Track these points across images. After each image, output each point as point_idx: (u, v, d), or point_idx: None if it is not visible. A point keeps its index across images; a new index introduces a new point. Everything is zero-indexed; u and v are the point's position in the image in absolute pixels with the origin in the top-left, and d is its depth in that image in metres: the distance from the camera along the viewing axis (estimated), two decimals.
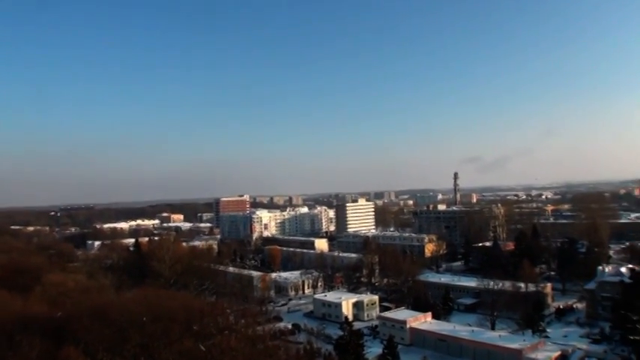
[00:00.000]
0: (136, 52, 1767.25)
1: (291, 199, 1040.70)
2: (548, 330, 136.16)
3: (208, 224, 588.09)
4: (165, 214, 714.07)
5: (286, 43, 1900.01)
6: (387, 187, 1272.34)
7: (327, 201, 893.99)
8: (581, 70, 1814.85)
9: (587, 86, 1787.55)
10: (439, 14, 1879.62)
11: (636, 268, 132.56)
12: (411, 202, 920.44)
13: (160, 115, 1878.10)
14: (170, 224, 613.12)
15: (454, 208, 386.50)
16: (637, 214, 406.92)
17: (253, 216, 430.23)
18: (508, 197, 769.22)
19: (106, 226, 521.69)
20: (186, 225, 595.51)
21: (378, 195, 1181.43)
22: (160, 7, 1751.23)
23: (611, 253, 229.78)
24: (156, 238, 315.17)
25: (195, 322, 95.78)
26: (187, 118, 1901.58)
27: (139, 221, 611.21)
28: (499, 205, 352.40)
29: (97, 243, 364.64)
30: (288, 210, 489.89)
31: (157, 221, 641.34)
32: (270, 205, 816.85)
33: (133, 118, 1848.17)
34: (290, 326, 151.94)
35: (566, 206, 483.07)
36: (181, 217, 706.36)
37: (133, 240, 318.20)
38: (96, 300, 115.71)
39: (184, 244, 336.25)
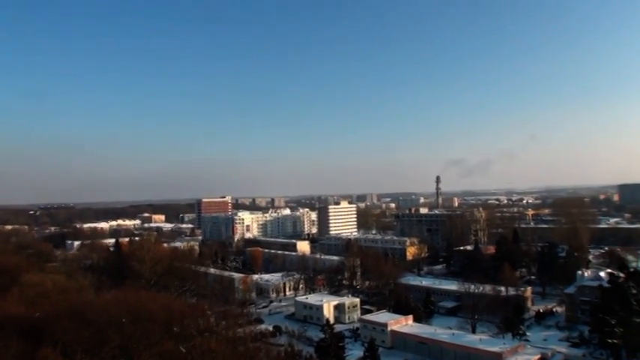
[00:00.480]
0: (118, 53, 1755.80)
1: (273, 200, 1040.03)
2: (528, 333, 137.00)
3: (190, 225, 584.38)
4: (146, 215, 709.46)
5: (273, 46, 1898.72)
6: (369, 189, 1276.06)
7: (309, 203, 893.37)
8: (563, 79, 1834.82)
9: (569, 93, 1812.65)
10: (426, 22, 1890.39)
11: (615, 272, 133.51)
12: (393, 205, 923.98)
13: (142, 115, 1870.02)
14: (151, 225, 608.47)
15: (436, 211, 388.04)
16: (616, 219, 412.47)
17: (235, 217, 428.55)
18: (489, 201, 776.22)
19: (86, 225, 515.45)
20: (168, 226, 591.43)
21: (361, 198, 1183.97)
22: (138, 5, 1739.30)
23: (590, 257, 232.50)
24: (136, 238, 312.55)
25: (176, 324, 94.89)
26: (170, 118, 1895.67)
27: (120, 221, 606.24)
28: (480, 209, 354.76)
29: (76, 243, 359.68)
30: (270, 212, 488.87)
31: (137, 221, 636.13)
32: (253, 207, 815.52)
33: (115, 118, 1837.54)
34: (271, 328, 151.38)
35: (546, 211, 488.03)
36: (163, 217, 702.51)
37: (113, 240, 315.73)
38: (75, 301, 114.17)
39: (165, 244, 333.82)
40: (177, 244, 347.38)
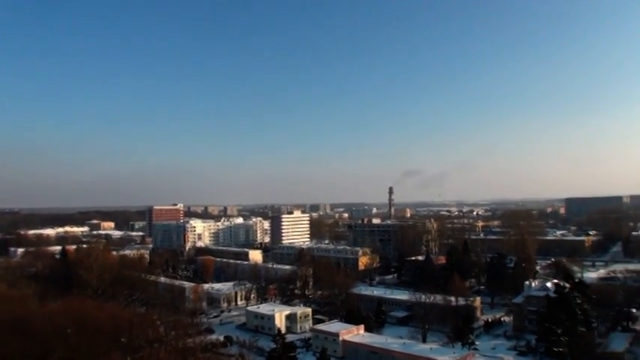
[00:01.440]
0: (64, 55, 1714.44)
1: (225, 209, 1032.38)
2: (477, 342, 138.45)
3: (140, 233, 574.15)
4: (95, 222, 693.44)
5: (226, 50, 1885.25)
6: (323, 199, 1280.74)
7: (262, 212, 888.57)
8: (512, 94, 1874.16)
9: (517, 109, 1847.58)
10: (384, 33, 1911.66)
11: (561, 283, 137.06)
12: (346, 215, 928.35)
13: (92, 119, 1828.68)
14: (100, 232, 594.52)
15: (388, 222, 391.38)
16: (562, 231, 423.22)
17: (187, 225, 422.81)
18: (441, 212, 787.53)
19: (31, 232, 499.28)
20: (118, 233, 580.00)
21: (314, 207, 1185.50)
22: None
23: (537, 268, 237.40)
24: (84, 245, 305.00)
25: (124, 334, 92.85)
26: (121, 124, 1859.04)
27: (67, 228, 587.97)
28: (432, 220, 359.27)
29: (20, 250, 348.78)
30: (222, 220, 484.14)
31: (86, 228, 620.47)
32: (205, 215, 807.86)
33: (63, 121, 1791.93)
34: (222, 338, 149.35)
35: (496, 222, 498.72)
36: (112, 224, 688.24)
37: (59, 247, 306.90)
38: (17, 311, 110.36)
39: (114, 252, 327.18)
40: (127, 252, 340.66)
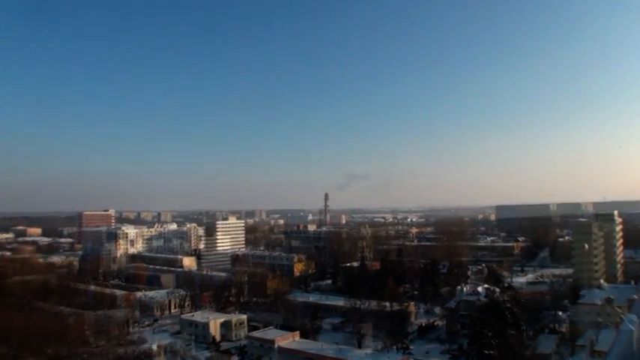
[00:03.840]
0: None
1: (159, 215, 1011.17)
2: (411, 347, 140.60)
3: (70, 239, 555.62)
4: (20, 228, 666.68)
5: (162, 51, 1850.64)
6: (258, 205, 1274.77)
7: (197, 218, 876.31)
8: (449, 105, 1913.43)
9: (455, 120, 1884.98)
10: (330, 38, 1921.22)
11: (491, 287, 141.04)
12: (281, 221, 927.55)
13: (19, 120, 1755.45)
14: (26, 238, 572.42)
15: (324, 228, 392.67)
16: (493, 238, 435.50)
17: (118, 231, 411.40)
18: (376, 219, 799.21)
19: None
20: (45, 240, 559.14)
21: (249, 213, 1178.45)
22: None
23: (469, 273, 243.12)
24: (8, 253, 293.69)
25: (51, 346, 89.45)
26: (52, 126, 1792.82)
27: None
28: (367, 226, 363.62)
29: None
30: (156, 226, 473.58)
31: (10, 235, 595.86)
32: (138, 221, 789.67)
33: None
34: (155, 347, 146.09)
35: (429, 229, 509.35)
36: (39, 230, 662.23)
37: None
38: None
39: (41, 260, 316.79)
40: (55, 259, 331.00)
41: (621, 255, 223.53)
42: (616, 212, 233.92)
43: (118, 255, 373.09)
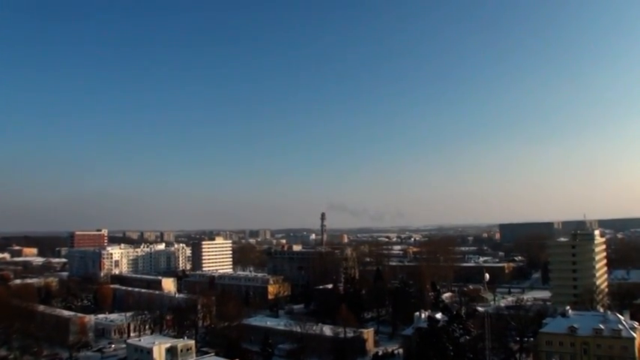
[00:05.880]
0: None
1: (162, 234, 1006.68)
2: None
3: (64, 260, 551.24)
4: (17, 247, 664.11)
5: (156, 67, 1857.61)
6: (264, 225, 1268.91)
7: (199, 237, 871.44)
8: (465, 118, 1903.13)
9: (470, 134, 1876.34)
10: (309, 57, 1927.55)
11: (437, 315, 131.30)
12: (284, 241, 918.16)
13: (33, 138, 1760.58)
14: (20, 259, 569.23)
15: (307, 249, 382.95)
16: (485, 258, 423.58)
17: (103, 252, 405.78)
18: (380, 238, 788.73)
19: None
20: (39, 260, 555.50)
21: (254, 233, 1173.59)
22: None
23: (445, 296, 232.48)
24: None
25: None
26: (68, 146, 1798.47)
27: None
28: (348, 247, 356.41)
29: None
30: (142, 246, 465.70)
31: (6, 254, 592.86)
32: (140, 241, 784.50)
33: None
34: None
35: (424, 249, 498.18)
36: (35, 250, 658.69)
37: None
38: None
39: (19, 281, 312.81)
40: (34, 280, 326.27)
41: (604, 277, 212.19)
42: (597, 232, 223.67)
43: (102, 275, 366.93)
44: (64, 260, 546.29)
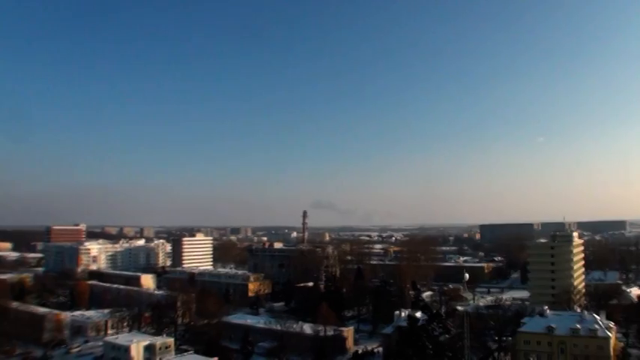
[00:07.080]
0: None
1: (142, 230, 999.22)
2: None
3: (40, 255, 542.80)
4: None
5: (148, 64, 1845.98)
6: (246, 222, 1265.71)
7: (180, 234, 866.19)
8: (446, 118, 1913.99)
9: (450, 135, 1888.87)
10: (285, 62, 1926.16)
11: (417, 314, 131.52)
12: (265, 238, 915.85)
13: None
14: None
15: (288, 246, 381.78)
16: (465, 258, 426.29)
17: (81, 247, 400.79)
18: (361, 237, 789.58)
19: None
20: (14, 254, 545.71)
21: (235, 230, 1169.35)
22: None
23: (425, 295, 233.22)
24: None
25: None
26: (48, 139, 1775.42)
27: None
28: (330, 246, 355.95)
29: None
30: (121, 242, 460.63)
31: None
32: (120, 236, 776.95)
33: None
34: None
35: (405, 248, 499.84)
36: (8, 245, 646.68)
37: None
38: None
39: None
40: (8, 275, 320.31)
41: (581, 278, 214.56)
42: (575, 233, 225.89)
43: (79, 271, 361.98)
44: (39, 255, 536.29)
